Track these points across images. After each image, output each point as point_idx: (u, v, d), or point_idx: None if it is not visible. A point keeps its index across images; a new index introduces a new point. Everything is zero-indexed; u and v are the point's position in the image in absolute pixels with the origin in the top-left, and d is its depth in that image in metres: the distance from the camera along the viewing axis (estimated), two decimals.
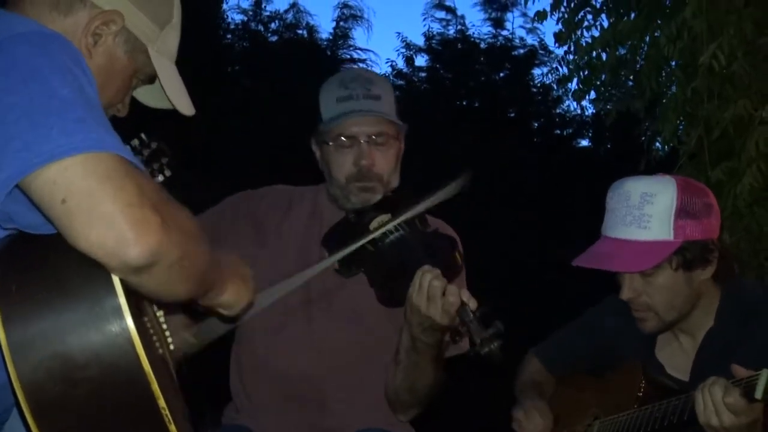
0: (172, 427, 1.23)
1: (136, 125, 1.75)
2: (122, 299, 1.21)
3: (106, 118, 1.27)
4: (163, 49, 1.55)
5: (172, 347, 1.58)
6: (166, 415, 1.22)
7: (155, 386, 1.20)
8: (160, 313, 1.55)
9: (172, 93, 1.57)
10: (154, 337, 1.40)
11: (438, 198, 1.95)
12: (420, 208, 1.95)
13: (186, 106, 1.61)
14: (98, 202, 1.15)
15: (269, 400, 2.23)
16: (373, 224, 2.09)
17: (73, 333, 1.20)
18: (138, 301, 1.32)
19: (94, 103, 1.25)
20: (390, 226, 1.98)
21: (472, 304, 1.87)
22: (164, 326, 1.56)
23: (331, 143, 2.21)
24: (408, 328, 2.00)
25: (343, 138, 2.19)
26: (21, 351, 1.19)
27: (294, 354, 2.21)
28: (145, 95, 1.67)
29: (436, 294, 1.88)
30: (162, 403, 1.21)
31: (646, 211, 2.04)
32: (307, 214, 2.32)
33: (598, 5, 5.08)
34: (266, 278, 2.19)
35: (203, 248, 1.31)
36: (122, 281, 1.22)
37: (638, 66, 4.87)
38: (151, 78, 1.57)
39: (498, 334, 1.77)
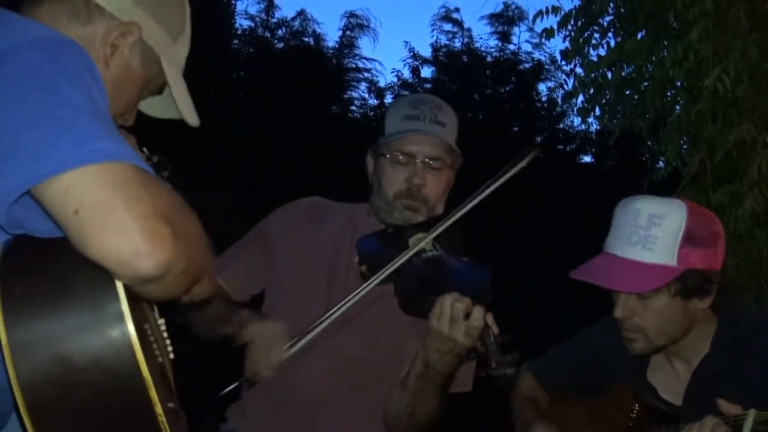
0: None
1: (138, 134, 1.76)
2: (125, 305, 1.22)
3: (114, 126, 1.27)
4: (175, 59, 1.56)
5: (171, 356, 1.58)
6: (163, 422, 1.22)
7: (153, 393, 1.20)
8: (161, 321, 1.56)
9: (181, 103, 1.58)
10: (154, 345, 1.40)
11: (472, 203, 2.01)
12: (458, 215, 2.00)
13: (192, 117, 1.61)
14: (111, 214, 1.15)
15: (274, 408, 2.23)
16: (413, 240, 2.10)
17: (74, 337, 1.21)
18: (140, 308, 1.33)
19: (104, 112, 1.26)
20: (429, 238, 2.01)
21: (495, 329, 1.88)
22: (164, 334, 1.56)
23: (388, 156, 2.24)
24: (424, 354, 1.99)
25: (400, 154, 2.22)
26: (21, 352, 1.19)
27: (304, 364, 2.19)
28: (148, 105, 1.67)
29: (459, 315, 1.88)
30: (159, 409, 1.21)
31: (653, 233, 2.02)
32: (341, 224, 2.35)
33: (605, 24, 5.11)
34: (293, 283, 2.26)
35: (205, 254, 1.33)
36: (126, 287, 1.23)
37: (643, 86, 4.89)
38: (160, 88, 1.58)
39: (515, 362, 1.80)
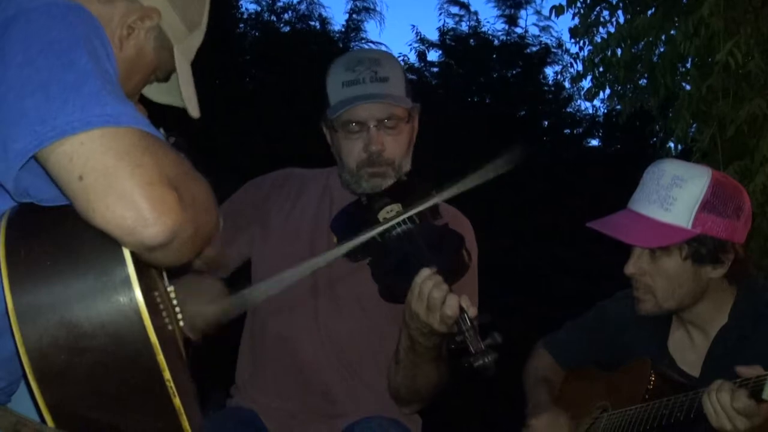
0: (176, 401, 1.22)
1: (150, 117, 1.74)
2: (131, 270, 1.20)
3: (122, 91, 1.26)
4: (186, 49, 1.57)
5: (181, 323, 1.57)
6: (171, 388, 1.20)
7: (161, 357, 1.19)
8: (170, 289, 1.54)
9: (186, 93, 1.58)
10: (164, 313, 1.39)
11: (449, 194, 1.92)
12: (430, 203, 1.92)
13: (195, 108, 1.61)
14: (115, 180, 1.14)
15: (275, 385, 2.22)
16: (382, 213, 2.05)
17: (80, 302, 1.19)
18: (148, 276, 1.31)
19: (112, 76, 1.25)
20: (399, 219, 1.94)
21: (472, 312, 1.81)
22: (174, 302, 1.55)
23: (340, 130, 2.16)
24: (407, 330, 1.96)
25: (351, 124, 2.13)
26: (28, 318, 1.18)
27: (300, 342, 2.19)
28: (152, 91, 1.67)
29: (436, 304, 1.82)
30: (167, 375, 1.20)
31: (673, 193, 2.03)
32: (317, 197, 2.29)
33: (614, 1, 5.06)
34: (276, 263, 2.19)
35: (214, 215, 1.31)
36: (132, 253, 1.21)
37: (654, 59, 4.84)
38: (167, 76, 1.58)
39: (493, 347, 1.72)
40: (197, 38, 1.58)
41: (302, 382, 2.19)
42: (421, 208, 1.92)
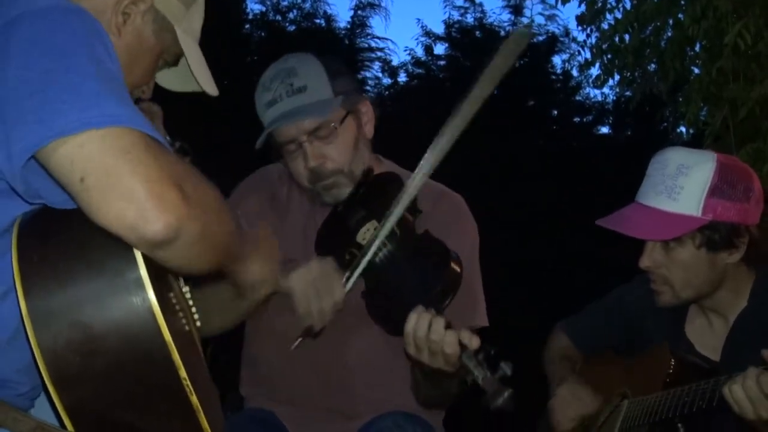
0: (194, 398, 1.21)
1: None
2: (143, 271, 1.20)
3: (126, 92, 1.25)
4: (189, 29, 1.56)
5: (198, 324, 1.56)
6: (188, 386, 1.20)
7: (176, 356, 1.19)
8: (186, 289, 1.54)
9: (198, 73, 1.57)
10: (180, 314, 1.39)
11: (412, 192, 1.88)
12: (399, 210, 1.87)
13: (211, 87, 1.60)
14: (117, 179, 1.14)
15: (287, 391, 2.20)
16: (360, 236, 1.98)
17: (93, 304, 1.20)
18: (163, 276, 1.31)
19: (114, 77, 1.24)
20: (377, 242, 1.88)
21: (474, 343, 1.71)
22: (190, 302, 1.55)
23: (281, 150, 2.08)
24: (415, 366, 1.92)
25: (286, 144, 2.05)
26: (42, 321, 1.18)
27: (319, 346, 2.17)
28: (167, 79, 1.67)
29: (437, 348, 1.73)
30: (183, 373, 1.19)
31: (679, 182, 2.01)
32: (304, 215, 2.21)
33: None
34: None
35: (226, 220, 1.30)
36: (145, 255, 1.21)
37: (662, 44, 4.81)
38: (176, 59, 1.57)
39: (506, 379, 1.63)
40: (197, 15, 1.58)
41: (322, 385, 2.17)
42: (396, 217, 1.87)
